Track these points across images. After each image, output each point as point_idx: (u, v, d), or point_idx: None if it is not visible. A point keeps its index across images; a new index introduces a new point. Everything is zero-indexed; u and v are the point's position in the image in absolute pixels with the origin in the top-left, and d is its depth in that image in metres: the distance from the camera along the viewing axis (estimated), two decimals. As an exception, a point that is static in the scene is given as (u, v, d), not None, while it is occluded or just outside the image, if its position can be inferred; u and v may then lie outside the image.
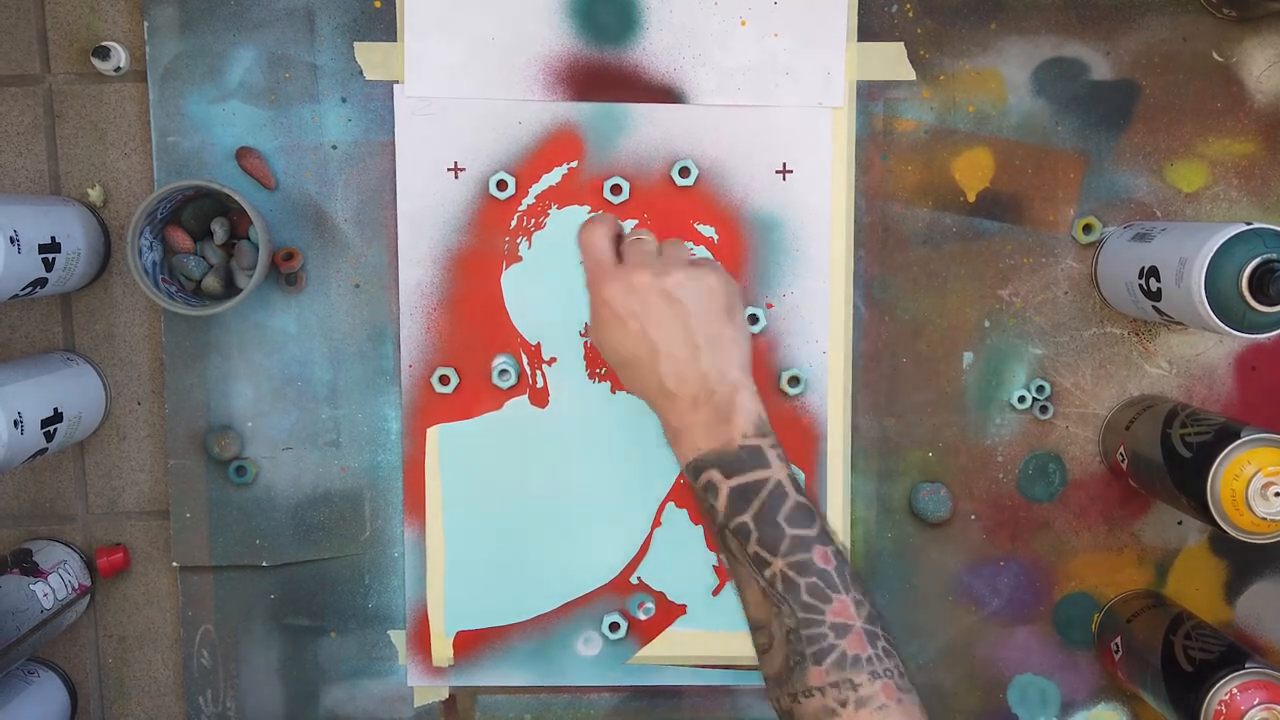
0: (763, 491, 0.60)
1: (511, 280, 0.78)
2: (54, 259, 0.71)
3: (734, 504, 0.60)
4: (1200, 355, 0.79)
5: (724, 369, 0.63)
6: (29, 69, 0.78)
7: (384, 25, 0.77)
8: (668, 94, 0.77)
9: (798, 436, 0.79)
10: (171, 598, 0.81)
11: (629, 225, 0.77)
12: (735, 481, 0.61)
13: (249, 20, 0.76)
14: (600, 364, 0.79)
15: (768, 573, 0.59)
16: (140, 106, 0.78)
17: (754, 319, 0.78)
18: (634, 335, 0.63)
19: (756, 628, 0.61)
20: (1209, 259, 0.65)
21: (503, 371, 0.78)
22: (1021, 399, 0.78)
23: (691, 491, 0.64)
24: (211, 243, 0.76)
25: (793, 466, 0.62)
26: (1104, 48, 0.77)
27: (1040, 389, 0.79)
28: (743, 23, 0.77)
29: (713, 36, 0.77)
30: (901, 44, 0.77)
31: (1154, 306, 0.71)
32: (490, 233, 0.78)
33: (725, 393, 0.62)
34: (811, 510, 0.60)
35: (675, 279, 0.64)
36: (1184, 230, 0.70)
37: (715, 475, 0.61)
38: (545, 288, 0.78)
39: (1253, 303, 0.65)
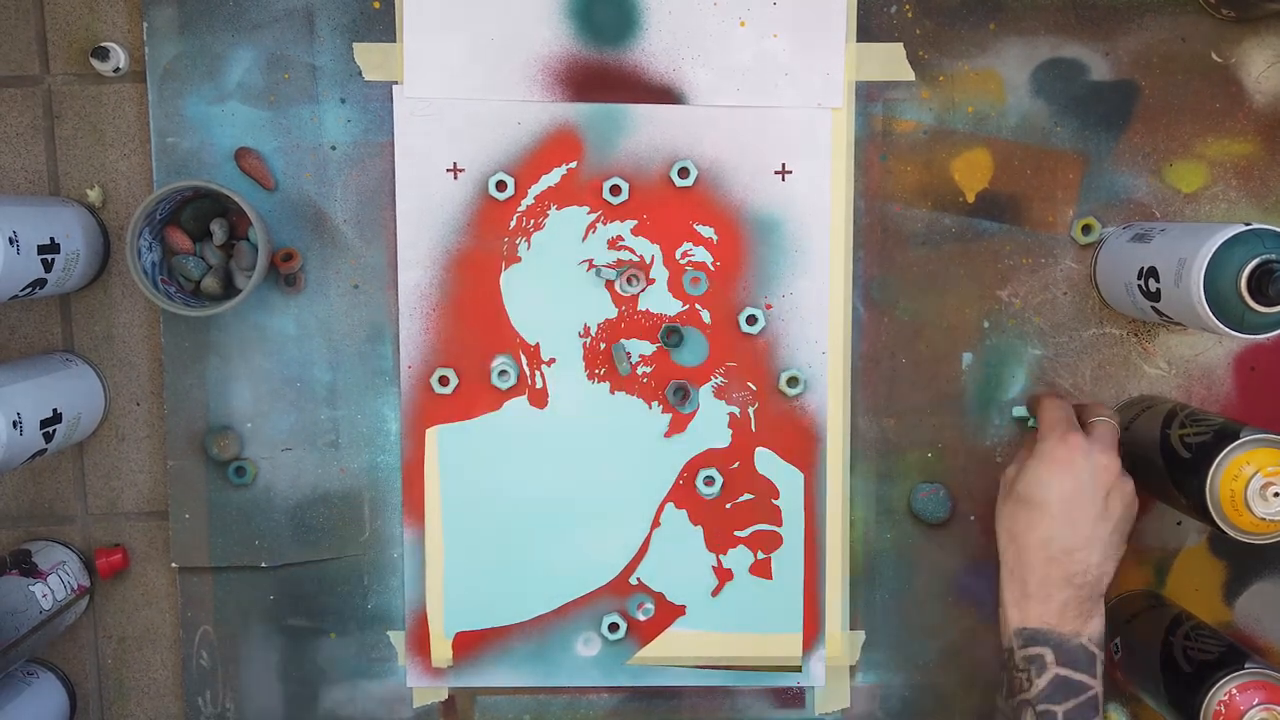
0: (1082, 696, 0.65)
1: (511, 281, 0.78)
2: (53, 260, 0.71)
3: (1053, 691, 0.65)
4: (1199, 356, 0.79)
5: (1109, 573, 0.68)
6: (28, 70, 0.78)
7: (383, 26, 0.77)
8: (667, 94, 0.77)
9: (797, 437, 0.79)
10: (171, 598, 0.81)
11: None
12: (1064, 672, 0.65)
13: (248, 21, 0.76)
14: (600, 364, 0.79)
15: None
16: (139, 107, 0.78)
17: (753, 319, 0.78)
18: (1059, 491, 0.67)
19: None
20: (1208, 259, 0.65)
21: (502, 372, 0.78)
22: (1026, 420, 0.79)
23: (1008, 656, 0.67)
24: (211, 243, 0.76)
25: None
26: (1103, 48, 0.77)
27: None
28: (742, 23, 0.77)
29: (712, 37, 0.77)
30: (901, 45, 0.77)
31: (1153, 307, 0.71)
32: (489, 233, 0.78)
33: (1096, 593, 0.67)
34: None
35: (1126, 490, 0.69)
36: (1183, 231, 0.70)
37: (1049, 655, 0.65)
38: (544, 288, 0.78)
39: (1251, 303, 0.65)
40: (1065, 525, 0.67)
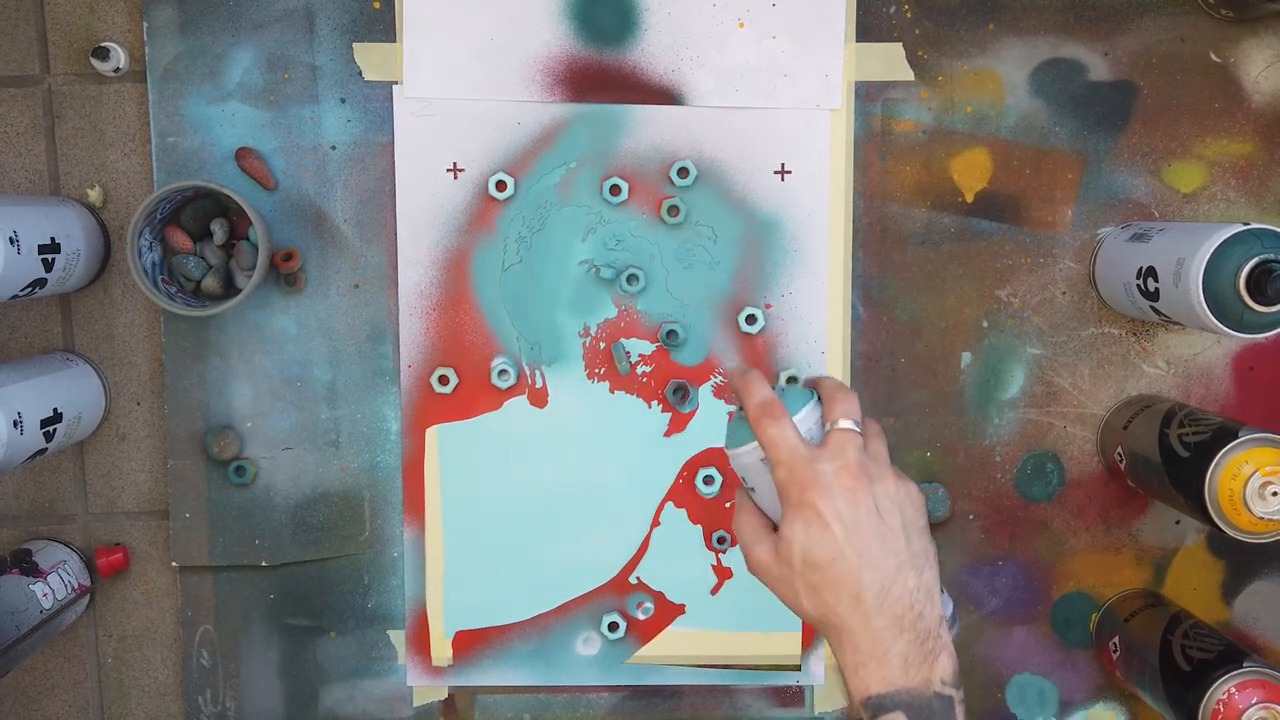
0: None
1: (511, 281, 0.78)
2: (53, 259, 0.71)
3: None
4: (1198, 355, 0.79)
5: (933, 594, 0.57)
6: (28, 70, 0.78)
7: (383, 26, 0.77)
8: (666, 95, 0.77)
9: (796, 436, 0.79)
10: (171, 598, 0.81)
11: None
12: None
13: (248, 21, 0.77)
14: (600, 364, 0.79)
15: None
16: (140, 107, 0.78)
17: (752, 319, 0.78)
18: (834, 538, 0.56)
19: None
20: (1207, 259, 0.65)
21: (502, 371, 0.78)
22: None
23: None
24: (211, 243, 0.76)
25: None
26: (1102, 48, 0.77)
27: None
28: (741, 24, 0.77)
29: (711, 38, 0.77)
30: (900, 45, 0.77)
31: (1152, 307, 0.71)
32: (489, 233, 0.78)
33: (932, 620, 0.57)
34: None
35: (887, 487, 0.58)
36: (1182, 230, 0.70)
37: (903, 719, 0.55)
38: (544, 288, 0.78)
39: (1250, 303, 0.65)
40: (866, 570, 0.56)
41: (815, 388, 0.61)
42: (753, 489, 0.60)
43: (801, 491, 0.56)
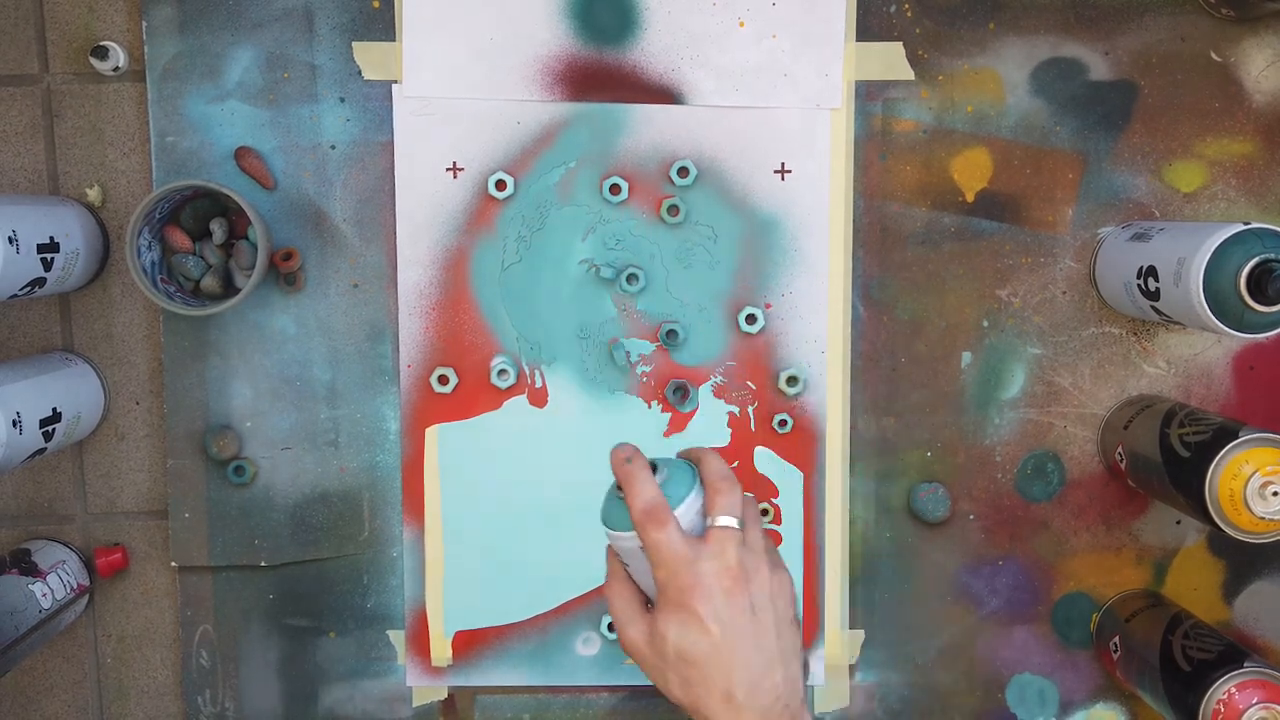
0: None
1: (510, 280, 0.78)
2: (52, 259, 0.71)
3: None
4: (1198, 355, 0.79)
5: (797, 684, 0.59)
6: (27, 69, 0.78)
7: (383, 25, 0.77)
8: (666, 95, 0.77)
9: (796, 436, 0.79)
10: (170, 598, 0.81)
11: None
12: None
13: (247, 20, 0.76)
14: (599, 364, 0.79)
15: None
16: (139, 106, 0.78)
17: (752, 319, 0.78)
18: (710, 638, 0.57)
19: None
20: (1207, 259, 0.65)
21: (501, 371, 0.78)
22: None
23: None
24: (210, 243, 0.76)
25: None
26: (1102, 48, 0.77)
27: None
28: (741, 24, 0.77)
29: (711, 37, 0.77)
30: (900, 44, 0.77)
31: (1152, 306, 0.71)
32: (489, 233, 0.78)
33: (796, 709, 0.58)
34: None
35: (762, 583, 0.59)
36: (1182, 230, 0.70)
37: None
38: (544, 287, 0.78)
39: (1251, 302, 0.65)
40: (738, 668, 0.57)
41: (698, 467, 0.61)
42: (628, 564, 0.61)
43: (681, 594, 0.57)
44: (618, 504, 0.59)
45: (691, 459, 0.62)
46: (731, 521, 0.59)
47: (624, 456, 0.60)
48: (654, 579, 0.58)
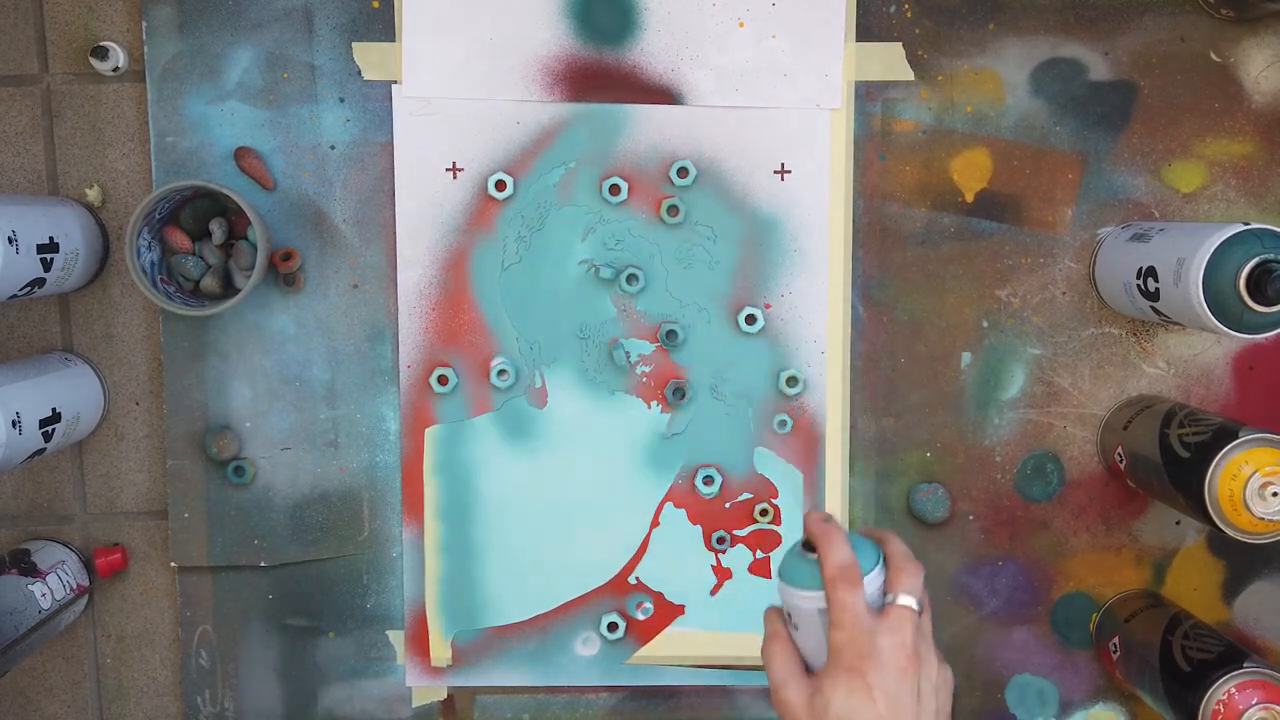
0: None
1: (510, 281, 0.78)
2: (52, 259, 0.71)
3: None
4: (1198, 355, 0.79)
5: None
6: (27, 69, 0.78)
7: (382, 25, 0.77)
8: (666, 95, 0.77)
9: (796, 437, 0.79)
10: (170, 598, 0.81)
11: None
12: None
13: (247, 20, 0.76)
14: (599, 364, 0.79)
15: None
16: (138, 107, 0.78)
17: (752, 319, 0.78)
18: (875, 710, 0.58)
19: None
20: (1207, 259, 0.65)
21: (501, 372, 0.78)
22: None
23: None
24: (210, 243, 0.76)
25: None
26: (1102, 48, 0.77)
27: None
28: (741, 24, 0.77)
29: (711, 38, 0.77)
30: (900, 44, 0.77)
31: (1152, 307, 0.71)
32: (489, 233, 0.78)
33: None
34: None
35: (931, 671, 0.60)
36: (1182, 230, 0.70)
37: None
38: (544, 288, 0.78)
39: (1250, 303, 0.65)
40: None
41: (881, 546, 0.62)
42: (795, 626, 0.61)
43: (857, 660, 0.58)
44: (804, 562, 0.60)
45: (875, 538, 0.63)
46: (913, 602, 0.60)
47: (821, 517, 0.61)
48: (829, 641, 0.59)
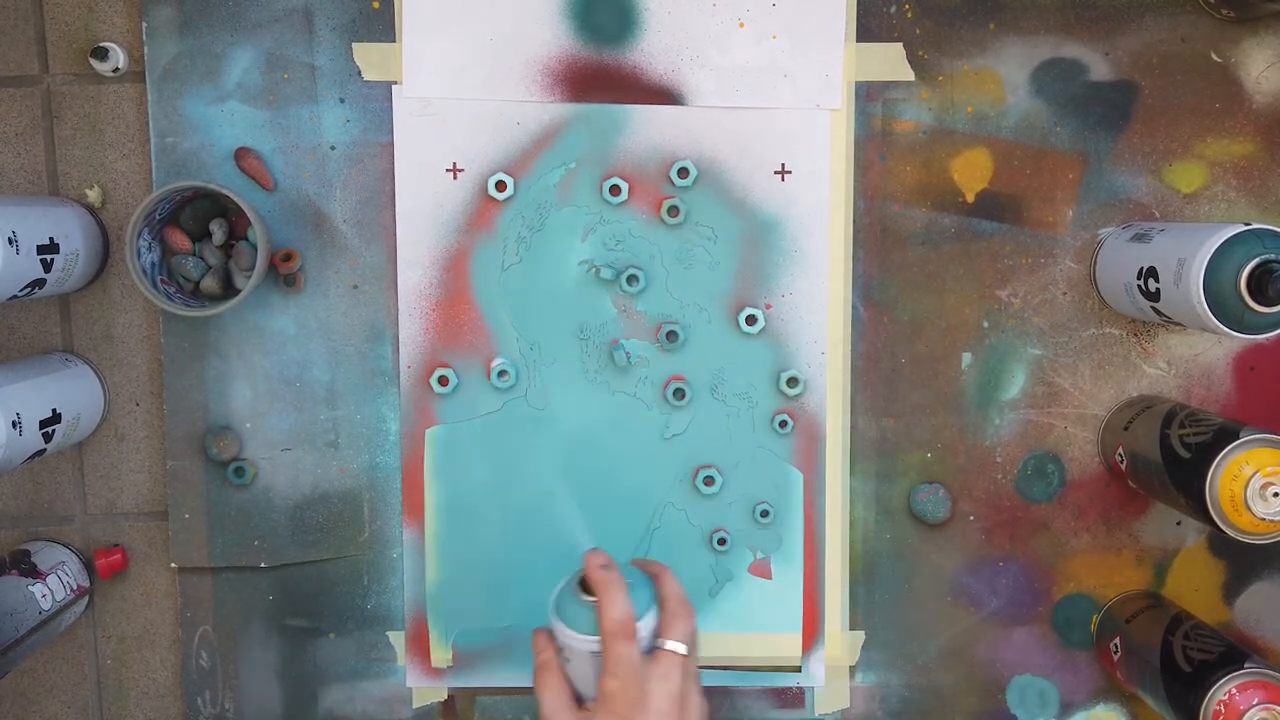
0: None
1: (510, 281, 0.78)
2: (52, 260, 0.71)
3: None
4: (1199, 356, 0.79)
5: None
6: (27, 70, 0.78)
7: (382, 26, 0.77)
8: (666, 95, 0.77)
9: (796, 438, 0.79)
10: (170, 599, 0.81)
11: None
12: None
13: (247, 21, 0.76)
14: (599, 364, 0.79)
15: None
16: (139, 107, 0.78)
17: (752, 319, 0.78)
18: None
19: None
20: (1207, 259, 0.65)
21: (501, 372, 0.78)
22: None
23: None
24: (210, 244, 0.76)
25: None
26: (1103, 48, 0.77)
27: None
28: (741, 24, 0.77)
29: (711, 38, 0.77)
30: (900, 45, 0.77)
31: (1153, 307, 0.71)
32: (489, 233, 0.78)
33: None
34: None
35: (692, 709, 0.64)
36: (1182, 231, 0.70)
37: None
38: (544, 288, 0.78)
39: (1251, 303, 0.65)
40: None
41: (656, 584, 0.66)
42: (568, 660, 0.64)
43: (629, 708, 0.62)
44: (580, 606, 0.64)
45: (650, 573, 0.66)
46: (681, 649, 0.64)
47: (601, 563, 0.65)
48: (601, 685, 0.62)
